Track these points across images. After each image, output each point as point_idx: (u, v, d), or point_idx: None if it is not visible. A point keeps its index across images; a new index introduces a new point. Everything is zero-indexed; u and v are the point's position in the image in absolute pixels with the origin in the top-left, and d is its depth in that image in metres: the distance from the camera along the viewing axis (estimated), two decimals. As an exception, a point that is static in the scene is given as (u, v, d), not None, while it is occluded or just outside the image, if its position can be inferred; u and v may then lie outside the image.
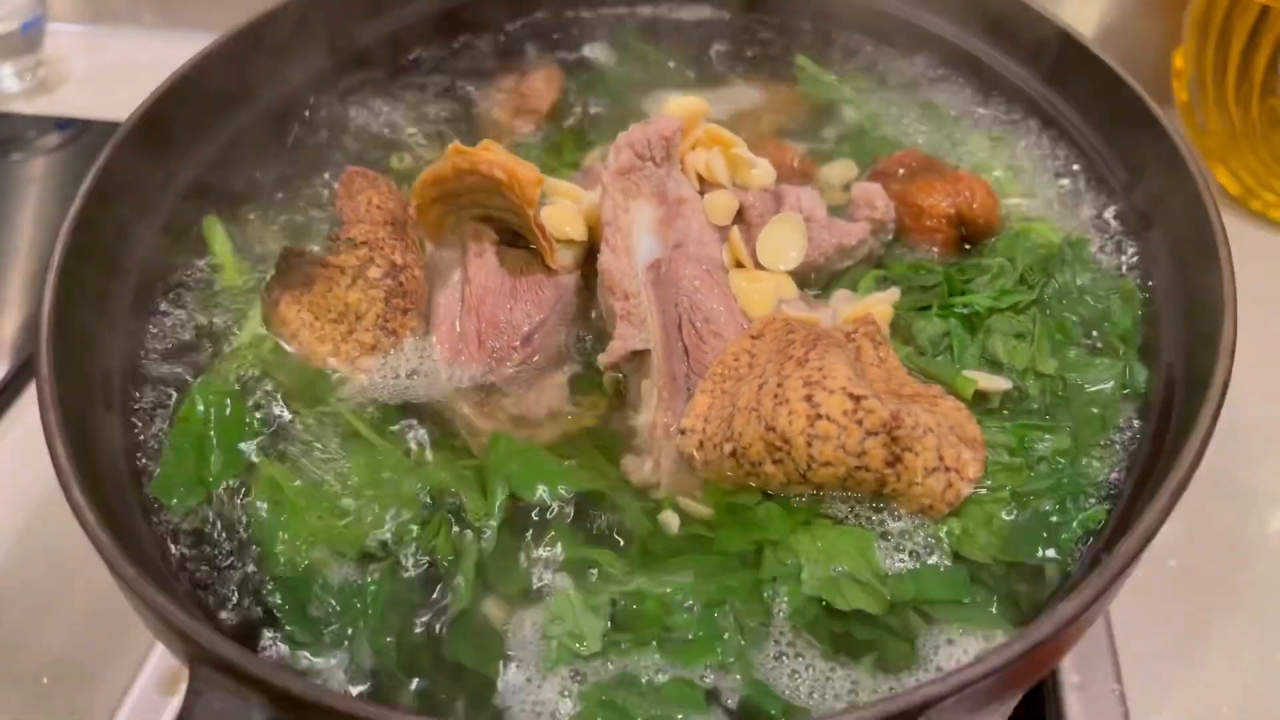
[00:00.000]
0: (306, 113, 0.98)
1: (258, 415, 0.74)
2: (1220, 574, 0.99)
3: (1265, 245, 1.32)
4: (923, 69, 1.04)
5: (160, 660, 0.93)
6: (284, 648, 0.62)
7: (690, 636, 0.63)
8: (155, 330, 0.80)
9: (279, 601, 0.64)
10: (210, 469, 0.70)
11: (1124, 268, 0.85)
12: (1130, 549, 0.54)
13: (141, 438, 0.72)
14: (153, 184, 0.82)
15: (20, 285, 1.30)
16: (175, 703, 0.90)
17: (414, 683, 0.62)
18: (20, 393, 1.16)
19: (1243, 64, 1.24)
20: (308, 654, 0.62)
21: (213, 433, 0.71)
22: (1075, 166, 0.92)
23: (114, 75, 1.67)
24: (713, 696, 0.61)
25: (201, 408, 0.72)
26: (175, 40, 1.68)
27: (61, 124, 1.57)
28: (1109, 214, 0.88)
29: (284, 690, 0.48)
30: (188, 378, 0.77)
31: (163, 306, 0.81)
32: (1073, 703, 0.89)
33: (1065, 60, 0.91)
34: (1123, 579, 0.56)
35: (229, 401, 0.73)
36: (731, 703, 0.60)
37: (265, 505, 0.68)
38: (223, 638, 0.48)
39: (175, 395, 0.76)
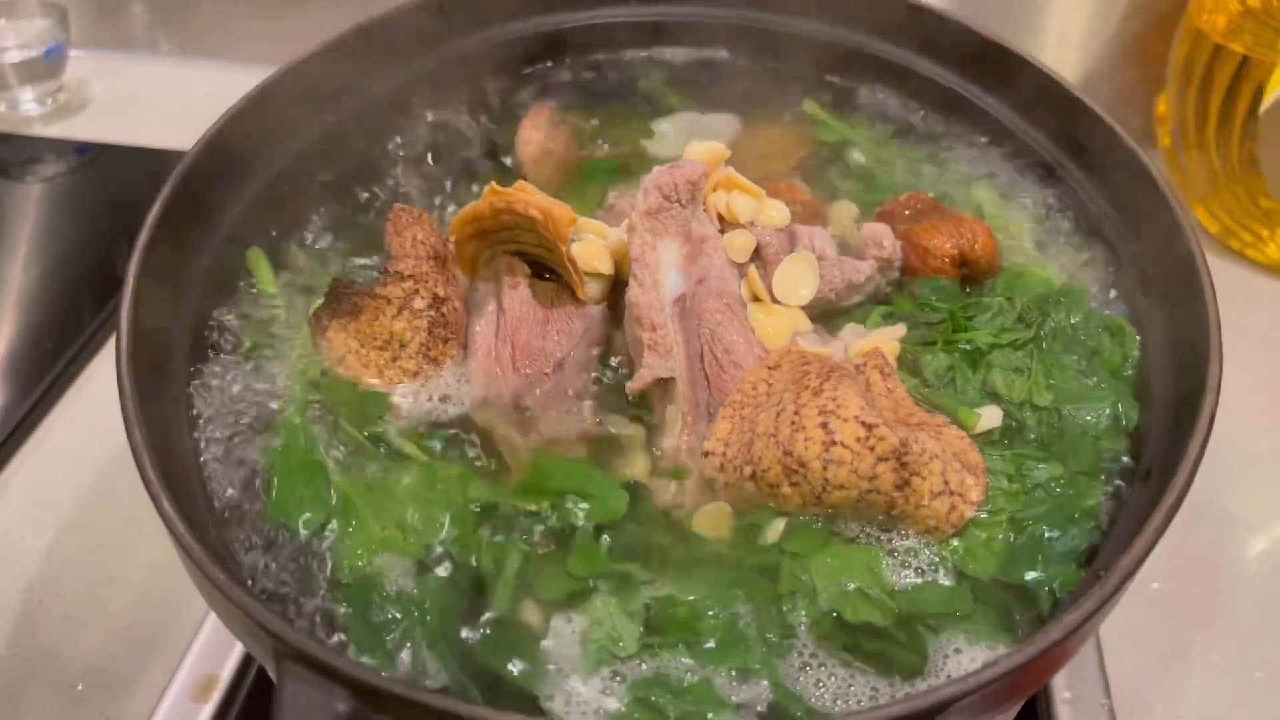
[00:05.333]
0: (357, 147, 1.02)
1: (320, 436, 0.78)
2: (1201, 596, 1.04)
3: (1243, 282, 1.38)
4: (926, 115, 1.09)
5: (192, 669, 0.96)
6: (349, 651, 0.66)
7: (715, 642, 0.67)
8: (211, 352, 0.84)
9: (344, 608, 0.68)
10: (321, 488, 0.75)
11: (1117, 307, 0.89)
12: (1130, 563, 0.59)
13: (208, 455, 0.77)
14: (208, 213, 0.86)
15: (34, 302, 1.34)
16: (208, 710, 0.94)
17: (469, 683, 0.66)
18: (47, 413, 1.20)
19: (1223, 110, 1.30)
20: (370, 657, 0.66)
21: (310, 456, 0.76)
22: (1070, 211, 0.97)
23: (131, 101, 1.71)
24: (741, 697, 0.65)
25: (286, 440, 0.77)
26: (190, 68, 1.76)
27: (80, 148, 1.61)
28: (1103, 256, 0.93)
29: (365, 683, 0.53)
30: (245, 398, 0.81)
31: (218, 330, 0.85)
32: (1064, 716, 0.94)
33: (1061, 112, 0.96)
34: (1123, 590, 0.61)
35: (306, 425, 0.78)
36: (760, 706, 0.65)
37: (331, 518, 0.73)
38: (308, 636, 0.53)
39: (235, 414, 0.80)
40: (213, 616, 0.99)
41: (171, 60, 1.79)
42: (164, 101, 1.71)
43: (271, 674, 0.58)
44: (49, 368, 1.23)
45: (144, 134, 1.60)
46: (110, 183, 1.55)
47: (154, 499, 0.59)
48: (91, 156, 1.59)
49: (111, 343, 1.28)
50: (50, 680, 0.96)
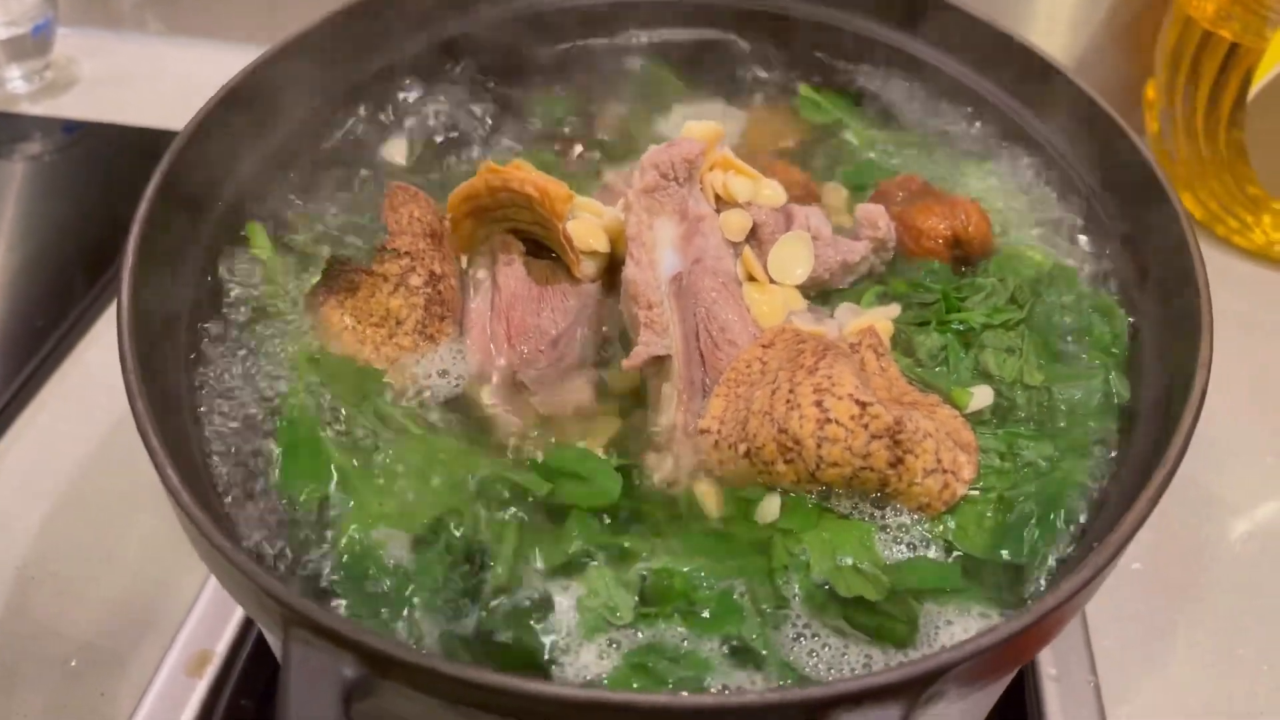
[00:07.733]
0: (351, 124, 1.02)
1: (318, 411, 0.78)
2: (1185, 577, 1.06)
3: (1228, 268, 1.40)
4: (920, 99, 1.09)
5: (187, 644, 0.96)
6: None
7: (709, 612, 0.68)
8: (210, 326, 0.84)
9: (341, 579, 0.69)
10: (318, 463, 0.75)
11: (1107, 287, 0.90)
12: (1124, 532, 0.60)
13: (208, 428, 0.77)
14: (202, 190, 0.86)
15: (23, 281, 1.33)
16: (202, 686, 0.94)
17: (466, 653, 0.66)
18: (38, 391, 1.20)
19: (1211, 98, 1.31)
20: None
21: (315, 431, 0.76)
22: (1062, 193, 0.98)
23: (119, 79, 1.70)
24: (736, 664, 0.66)
25: (286, 415, 0.78)
26: (179, 47, 1.75)
27: (68, 127, 1.60)
28: (1094, 238, 0.94)
29: (373, 648, 0.53)
30: (243, 372, 0.81)
31: (217, 303, 0.85)
32: (1051, 693, 0.96)
33: (1054, 95, 0.97)
34: (1116, 561, 0.62)
35: (305, 400, 0.78)
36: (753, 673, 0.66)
37: (329, 492, 0.73)
38: (316, 603, 0.53)
39: (234, 388, 0.80)
40: (207, 592, 0.99)
41: (160, 39, 1.78)
42: (152, 80, 1.70)
43: (275, 642, 0.58)
44: (38, 347, 1.22)
45: (132, 113, 1.60)
46: (98, 161, 1.55)
47: (158, 468, 0.59)
48: (79, 135, 1.58)
49: (101, 321, 1.28)
50: (44, 656, 0.96)
